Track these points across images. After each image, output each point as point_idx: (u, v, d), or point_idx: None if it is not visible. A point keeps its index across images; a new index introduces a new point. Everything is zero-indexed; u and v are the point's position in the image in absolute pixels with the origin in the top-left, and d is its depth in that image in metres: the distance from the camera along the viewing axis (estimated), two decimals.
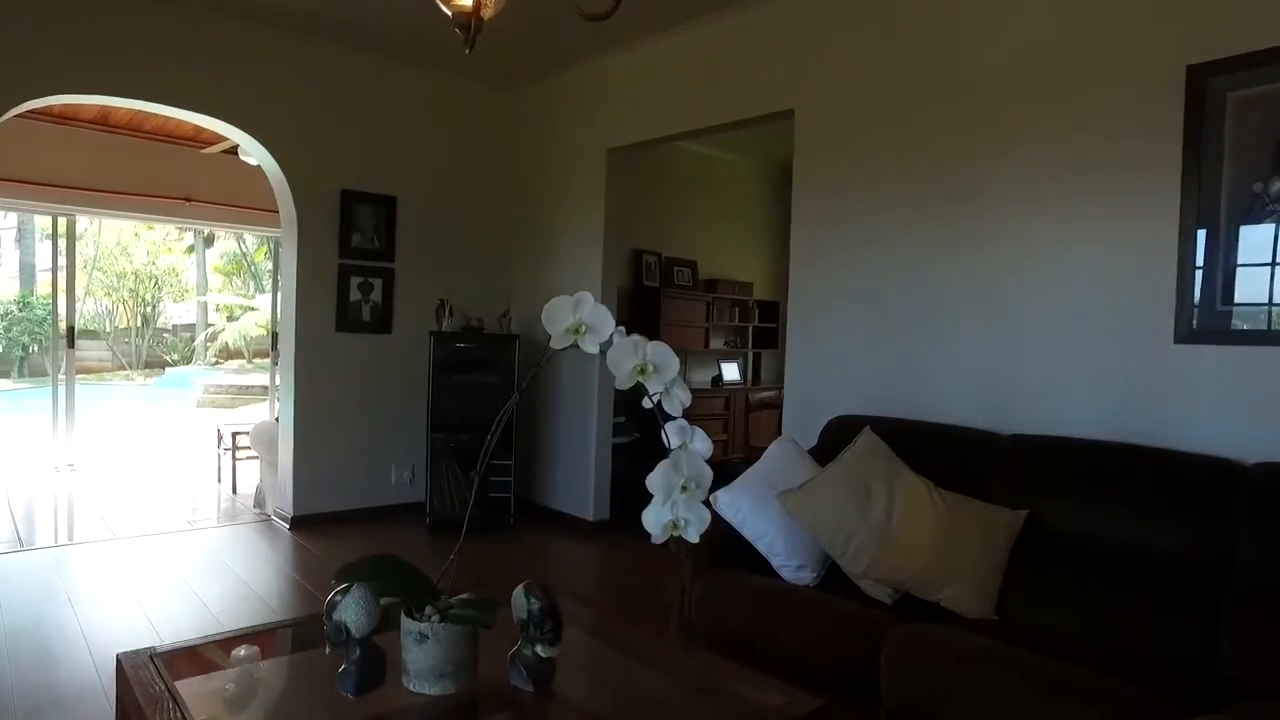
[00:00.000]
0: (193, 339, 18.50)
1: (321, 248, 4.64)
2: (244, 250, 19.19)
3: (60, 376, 6.58)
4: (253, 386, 14.71)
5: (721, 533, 2.80)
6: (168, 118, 6.26)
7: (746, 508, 2.83)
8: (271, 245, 18.40)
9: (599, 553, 4.54)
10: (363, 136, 4.79)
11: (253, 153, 4.64)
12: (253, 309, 16.84)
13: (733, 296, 6.92)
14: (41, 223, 15.92)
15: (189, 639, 1.93)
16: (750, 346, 7.15)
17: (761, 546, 2.80)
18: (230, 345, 16.29)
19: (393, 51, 4.76)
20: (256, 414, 12.30)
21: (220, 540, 4.43)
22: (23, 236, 17.03)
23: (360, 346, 4.82)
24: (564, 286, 4.99)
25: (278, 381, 7.75)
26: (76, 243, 6.90)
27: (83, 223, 15.49)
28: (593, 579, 4.12)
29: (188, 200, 7.03)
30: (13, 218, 17.43)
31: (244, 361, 17.24)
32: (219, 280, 19.20)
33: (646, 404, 1.56)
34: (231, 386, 14.89)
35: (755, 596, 2.64)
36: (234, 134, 4.47)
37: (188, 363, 17.86)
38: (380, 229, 4.81)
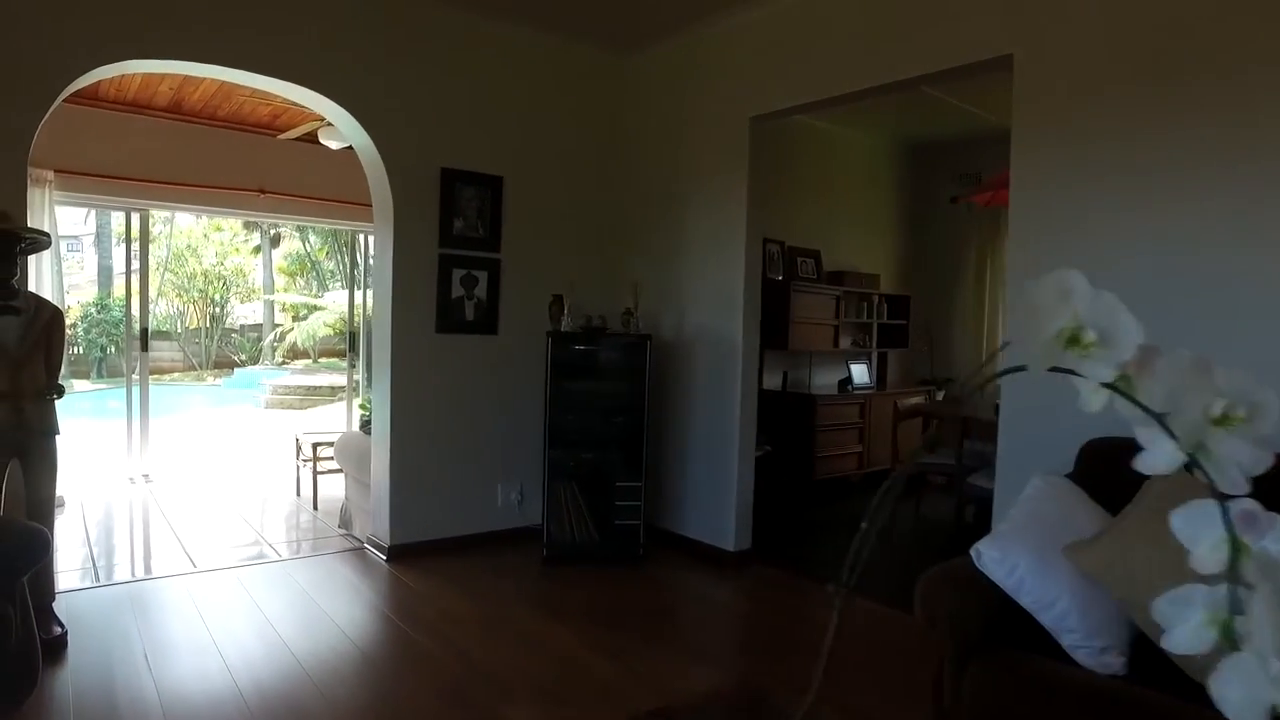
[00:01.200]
0: (259, 339, 18.48)
1: (420, 236, 4.04)
2: (308, 249, 19.06)
3: (134, 377, 6.18)
4: (320, 387, 14.48)
5: (989, 597, 2.08)
6: (243, 101, 5.80)
7: (1024, 566, 2.09)
8: (338, 243, 18.24)
9: (749, 593, 3.83)
10: (466, 108, 4.17)
11: (342, 127, 4.05)
12: (320, 308, 16.63)
13: (860, 290, 6.15)
14: (117, 226, 16.04)
15: None
16: (875, 346, 6.37)
17: (1048, 620, 2.06)
18: (299, 345, 16.07)
19: (500, 10, 4.13)
20: (326, 416, 11.96)
21: (310, 575, 3.86)
22: (101, 240, 17.22)
23: (463, 350, 4.20)
24: (698, 280, 4.30)
25: (357, 386, 7.32)
26: (150, 244, 6.52)
27: (156, 226, 15.52)
28: (754, 634, 3.41)
29: (261, 192, 6.59)
30: (92, 222, 17.65)
31: (309, 361, 17.10)
32: (282, 280, 19.18)
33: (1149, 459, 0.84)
34: (299, 387, 14.67)
35: (1071, 697, 1.90)
36: (322, 104, 3.89)
37: (255, 363, 17.84)
38: (485, 214, 4.19)
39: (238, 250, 18.62)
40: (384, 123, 3.91)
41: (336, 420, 10.42)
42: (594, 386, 4.04)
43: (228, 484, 6.14)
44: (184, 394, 15.06)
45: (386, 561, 3.99)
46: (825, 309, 5.81)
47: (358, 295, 7.69)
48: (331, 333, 16.29)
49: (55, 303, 3.01)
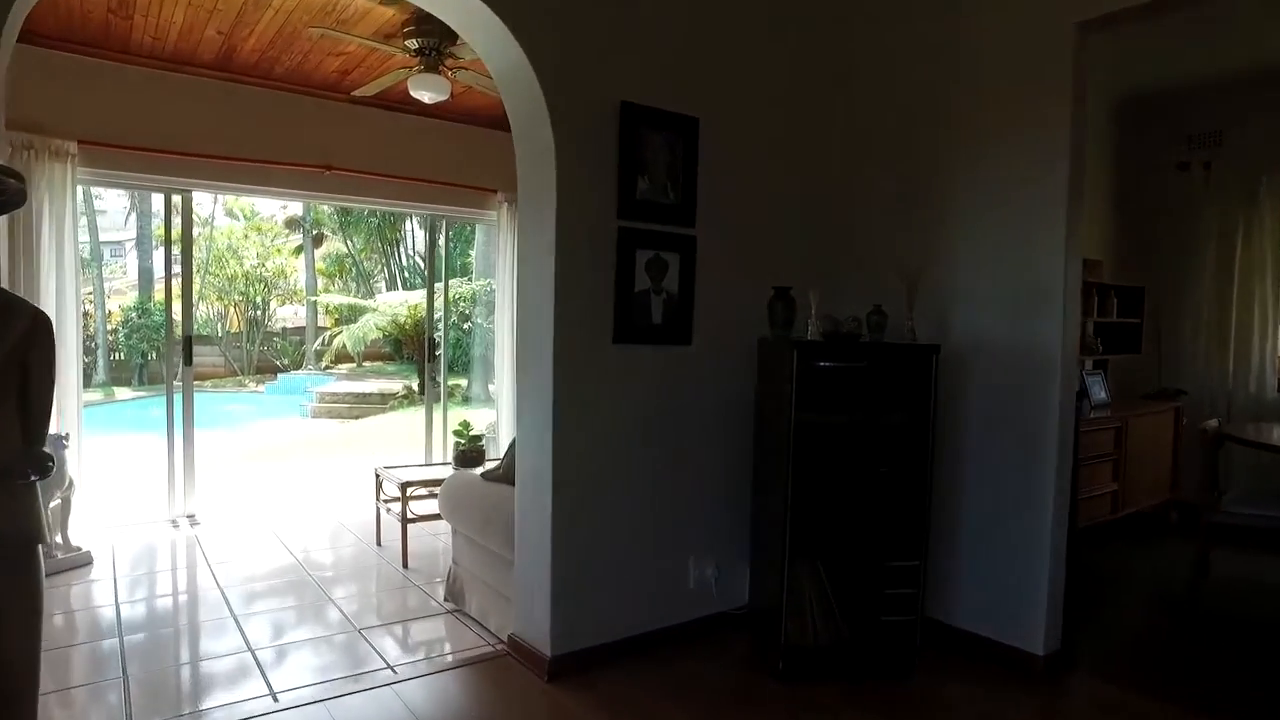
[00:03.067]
0: (302, 343, 17.63)
1: (593, 201, 2.74)
2: (350, 249, 18.04)
3: (176, 383, 5.03)
4: (370, 394, 13.46)
5: None
6: (308, 50, 4.58)
7: None
8: (382, 241, 17.19)
9: None
10: (653, 17, 2.88)
11: (481, 43, 2.77)
12: (369, 309, 15.52)
13: (1085, 280, 4.77)
14: (158, 228, 15.19)
15: None
16: (1100, 351, 4.98)
17: None
18: (348, 349, 14.99)
19: None
20: (382, 429, 10.87)
21: (438, 709, 2.58)
22: (141, 242, 16.58)
23: (647, 367, 2.91)
24: (979, 267, 2.97)
25: (412, 396, 6.08)
26: (193, 244, 5.36)
27: (195, 228, 14.58)
28: None
29: (327, 169, 5.41)
30: (133, 225, 16.87)
31: (353, 366, 16.15)
32: (321, 282, 18.34)
33: None
34: (347, 394, 13.67)
35: None
36: (456, 6, 2.63)
37: (298, 367, 16.99)
38: (675, 171, 2.89)
39: (278, 251, 17.79)
40: (545, 33, 2.63)
41: (394, 434, 9.30)
42: (849, 420, 2.72)
43: (287, 528, 4.92)
44: (226, 402, 14.29)
45: (547, 681, 2.71)
46: None
47: (411, 292, 6.48)
48: (381, 336, 15.20)
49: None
